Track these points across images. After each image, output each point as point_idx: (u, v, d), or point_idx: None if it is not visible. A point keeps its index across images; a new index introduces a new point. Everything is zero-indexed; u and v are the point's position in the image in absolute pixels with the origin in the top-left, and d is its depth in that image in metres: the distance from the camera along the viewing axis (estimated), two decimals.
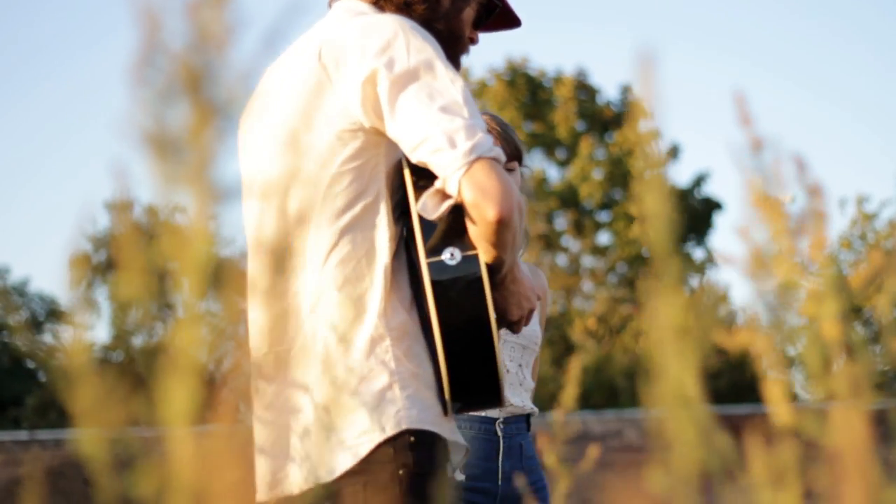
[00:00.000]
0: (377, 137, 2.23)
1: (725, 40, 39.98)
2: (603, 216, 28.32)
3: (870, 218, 23.91)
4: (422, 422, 2.21)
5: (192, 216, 0.83)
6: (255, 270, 2.31)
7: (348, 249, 2.23)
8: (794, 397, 1.07)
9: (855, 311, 1.13)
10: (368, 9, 2.37)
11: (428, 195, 2.15)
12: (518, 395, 3.62)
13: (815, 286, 1.08)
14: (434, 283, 2.18)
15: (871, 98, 39.03)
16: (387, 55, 2.18)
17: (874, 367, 1.07)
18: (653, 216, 0.90)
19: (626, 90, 28.92)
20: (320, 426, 2.16)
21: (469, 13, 2.48)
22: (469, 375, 2.23)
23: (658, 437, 0.80)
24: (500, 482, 3.54)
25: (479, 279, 2.19)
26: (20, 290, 24.88)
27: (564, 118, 28.13)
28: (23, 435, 12.49)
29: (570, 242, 28.28)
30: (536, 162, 28.61)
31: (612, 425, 12.86)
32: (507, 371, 3.61)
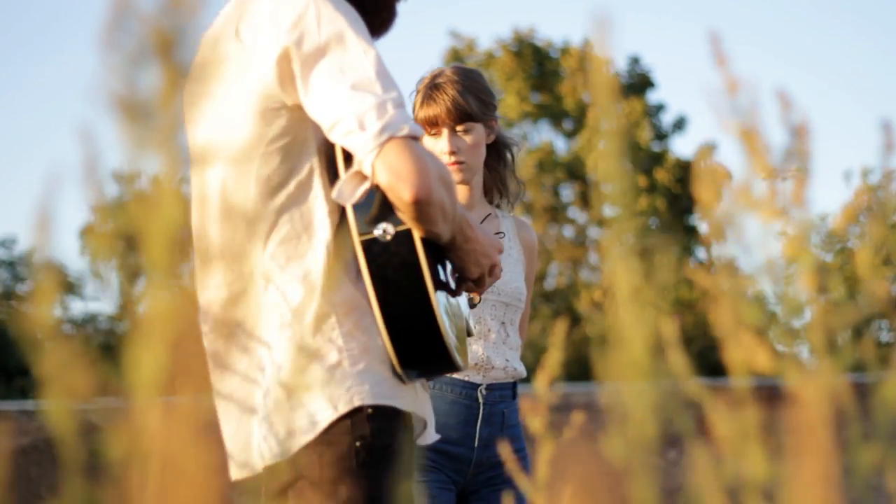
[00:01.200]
0: (301, 113, 2.20)
1: (736, 17, 39.82)
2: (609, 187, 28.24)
3: (875, 189, 23.85)
4: (375, 396, 2.19)
5: (161, 181, 0.82)
6: (208, 239, 2.32)
7: (287, 228, 2.21)
8: (769, 350, 1.06)
9: (836, 263, 1.12)
10: None
11: (344, 180, 2.13)
12: (501, 353, 3.58)
13: (796, 230, 1.07)
14: (369, 260, 2.18)
15: (873, 77, 38.90)
16: (298, 30, 2.14)
17: (851, 318, 1.06)
18: (604, 139, 0.89)
19: (634, 61, 28.82)
20: (276, 405, 2.16)
21: None
22: (415, 346, 2.22)
23: (613, 408, 0.79)
24: (475, 448, 3.53)
25: (414, 252, 2.19)
26: (26, 261, 24.93)
27: (571, 89, 28.06)
28: (30, 405, 12.52)
29: (577, 214, 28.27)
30: (544, 133, 28.55)
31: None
32: (489, 330, 3.57)
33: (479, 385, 3.54)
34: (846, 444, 1.04)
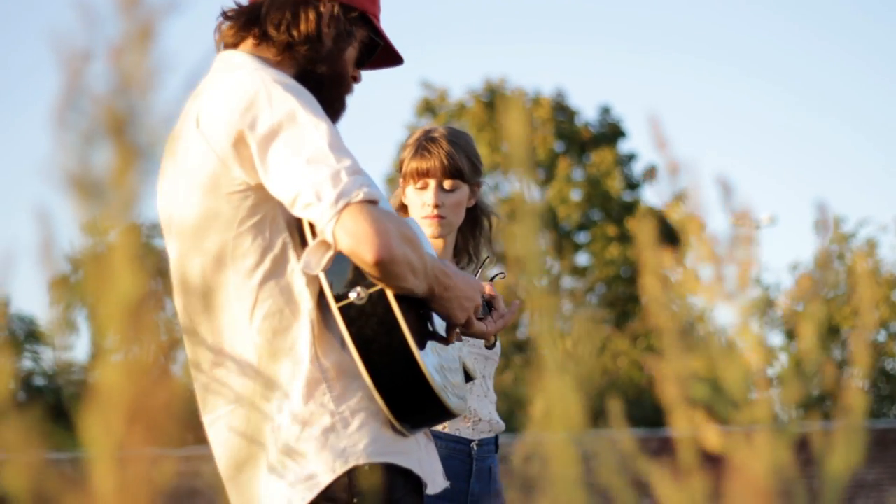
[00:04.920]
0: (266, 192, 2.26)
1: (717, 51, 40.16)
2: (581, 237, 28.36)
3: (847, 238, 24.02)
4: (371, 454, 2.25)
5: (115, 255, 0.85)
6: (180, 310, 2.39)
7: (270, 303, 2.28)
8: (716, 421, 1.09)
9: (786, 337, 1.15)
10: (243, 59, 2.38)
11: (309, 250, 2.20)
12: (485, 406, 3.60)
13: (742, 311, 1.09)
14: (348, 324, 2.24)
15: (857, 112, 39.24)
16: (250, 115, 2.21)
17: (799, 392, 1.09)
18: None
19: (605, 111, 29.00)
20: (270, 476, 2.24)
21: (351, 53, 2.49)
22: (407, 399, 2.28)
23: (541, 465, 0.82)
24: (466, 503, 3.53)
25: (390, 310, 2.25)
26: None
27: (542, 139, 28.19)
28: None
29: (550, 263, 28.30)
30: (515, 184, 28.58)
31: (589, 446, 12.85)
32: (475, 378, 3.60)
33: (472, 441, 3.55)
34: None
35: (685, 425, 1.00)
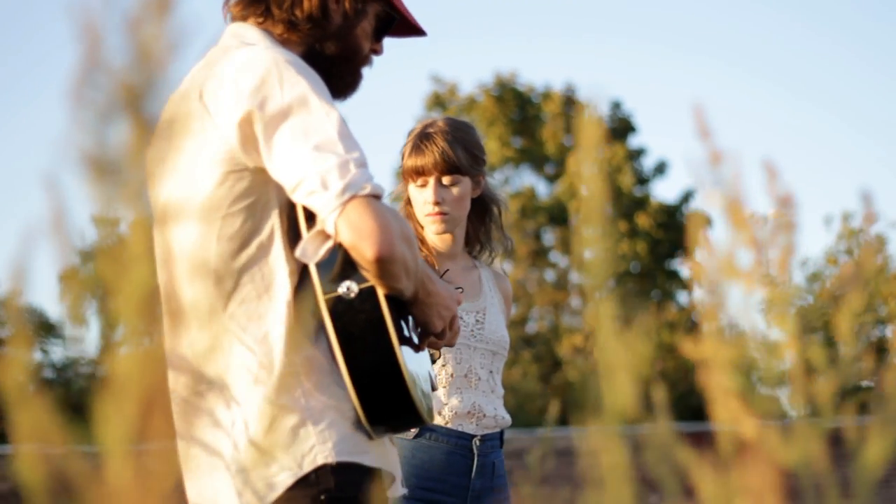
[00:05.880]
0: (264, 175, 2.22)
1: (722, 51, 40.13)
2: (591, 232, 28.32)
3: (855, 234, 23.99)
4: (339, 454, 2.21)
5: (130, 244, 0.82)
6: (176, 297, 2.34)
7: (248, 289, 2.23)
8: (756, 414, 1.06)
9: (819, 328, 1.12)
10: (255, 34, 2.35)
11: (308, 239, 2.16)
12: (491, 402, 3.59)
13: (779, 299, 1.07)
14: (334, 319, 2.20)
15: (870, 110, 39.21)
16: (260, 94, 2.16)
17: (834, 384, 1.06)
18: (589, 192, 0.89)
19: (615, 106, 28.98)
20: (238, 467, 2.19)
21: (365, 27, 2.46)
22: (383, 402, 2.24)
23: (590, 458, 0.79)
24: (468, 499, 3.52)
25: (378, 309, 2.21)
26: (2, 306, 24.80)
27: (553, 134, 28.17)
28: (6, 450, 12.45)
29: (559, 258, 28.31)
30: (525, 178, 28.63)
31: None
32: (479, 379, 3.58)
33: (474, 436, 3.54)
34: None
35: (721, 415, 0.97)
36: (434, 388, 2.54)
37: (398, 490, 2.41)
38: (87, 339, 0.96)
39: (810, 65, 39.31)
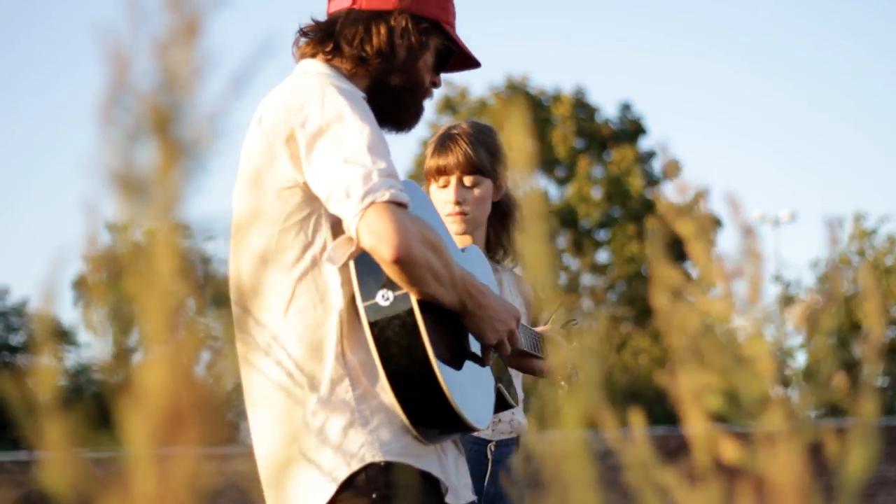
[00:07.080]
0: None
1: (739, 48, 40.05)
2: (602, 234, 28.33)
3: (867, 234, 23.90)
4: (387, 453, 2.31)
5: (158, 254, 0.84)
6: (232, 305, 2.46)
7: (305, 299, 2.35)
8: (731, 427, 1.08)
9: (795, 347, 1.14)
10: (315, 66, 2.49)
11: (335, 245, 2.27)
12: (516, 409, 3.59)
13: (751, 324, 1.09)
14: (371, 325, 2.30)
15: (875, 109, 39.10)
16: (303, 113, 2.30)
17: (813, 399, 1.08)
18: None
19: (625, 108, 28.97)
20: (285, 469, 2.26)
21: (427, 59, 2.57)
22: (423, 406, 2.33)
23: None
24: None
25: (412, 315, 2.29)
26: (19, 311, 24.87)
27: (563, 137, 28.17)
28: (23, 455, 12.47)
29: (570, 261, 28.30)
30: (535, 181, 28.61)
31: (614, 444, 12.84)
32: (514, 406, 3.60)
33: (489, 442, 3.54)
34: None
35: (701, 435, 0.99)
36: (507, 405, 2.61)
37: (464, 498, 2.47)
38: (109, 348, 0.99)
39: (828, 63, 39.22)
